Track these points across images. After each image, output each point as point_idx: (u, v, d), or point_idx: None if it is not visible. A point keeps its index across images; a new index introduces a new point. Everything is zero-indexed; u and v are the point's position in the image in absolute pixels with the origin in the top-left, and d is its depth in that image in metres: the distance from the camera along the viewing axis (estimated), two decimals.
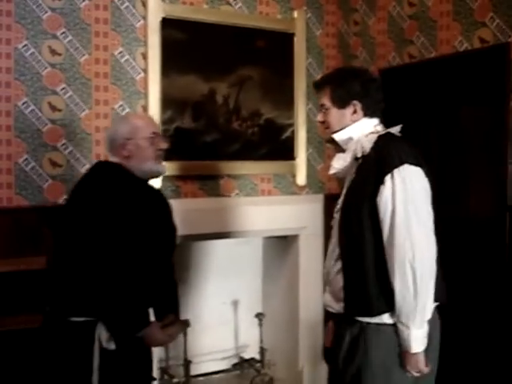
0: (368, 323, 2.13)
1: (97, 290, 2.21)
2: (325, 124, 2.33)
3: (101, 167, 2.49)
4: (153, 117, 2.88)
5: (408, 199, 2.05)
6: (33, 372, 2.73)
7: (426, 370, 2.09)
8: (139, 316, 2.32)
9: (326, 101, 2.30)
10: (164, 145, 2.52)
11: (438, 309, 2.20)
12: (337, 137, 2.28)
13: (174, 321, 2.56)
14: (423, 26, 3.51)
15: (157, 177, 2.61)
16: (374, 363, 2.11)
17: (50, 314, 2.35)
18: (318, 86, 2.38)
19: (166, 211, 2.54)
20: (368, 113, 2.26)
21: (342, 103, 2.27)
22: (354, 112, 2.26)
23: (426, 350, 2.10)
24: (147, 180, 2.52)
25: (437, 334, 2.22)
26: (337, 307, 2.25)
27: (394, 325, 2.09)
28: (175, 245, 2.60)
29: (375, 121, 2.28)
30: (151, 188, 2.54)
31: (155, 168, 2.48)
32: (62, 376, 2.31)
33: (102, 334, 2.26)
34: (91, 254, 2.21)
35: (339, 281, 2.22)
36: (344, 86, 2.26)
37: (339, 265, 2.23)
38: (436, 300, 2.13)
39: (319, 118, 2.36)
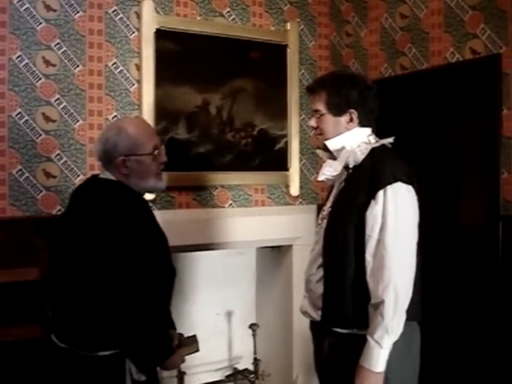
0: (345, 333, 2.13)
1: (121, 322, 2.04)
2: (317, 130, 2.26)
3: (102, 184, 2.24)
4: (150, 124, 2.59)
5: (398, 217, 2.04)
6: None
7: None
8: (164, 345, 2.20)
9: (321, 106, 2.22)
10: (165, 158, 2.29)
11: (420, 324, 2.20)
12: (330, 145, 2.23)
13: (183, 339, 2.43)
14: (415, 38, 3.54)
15: (155, 192, 2.44)
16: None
17: (68, 350, 2.13)
18: (311, 90, 2.28)
19: (157, 223, 2.33)
20: (363, 121, 2.22)
21: (338, 111, 2.20)
22: (350, 120, 2.21)
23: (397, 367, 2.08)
24: (143, 194, 2.34)
25: (417, 352, 2.20)
26: (314, 315, 2.25)
27: None
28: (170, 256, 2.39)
29: (368, 130, 2.24)
30: (145, 201, 2.37)
31: (156, 185, 2.29)
32: None
33: (131, 366, 2.14)
34: (108, 279, 2.01)
35: (319, 289, 2.21)
36: (341, 93, 2.19)
37: (320, 273, 2.22)
38: (414, 319, 2.12)
39: (312, 123, 2.28)
